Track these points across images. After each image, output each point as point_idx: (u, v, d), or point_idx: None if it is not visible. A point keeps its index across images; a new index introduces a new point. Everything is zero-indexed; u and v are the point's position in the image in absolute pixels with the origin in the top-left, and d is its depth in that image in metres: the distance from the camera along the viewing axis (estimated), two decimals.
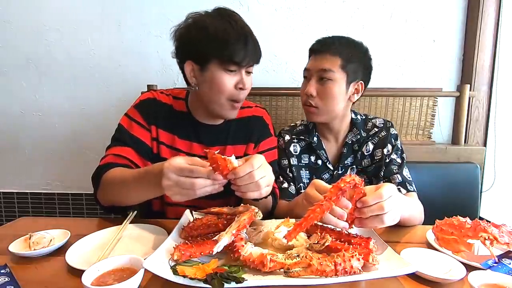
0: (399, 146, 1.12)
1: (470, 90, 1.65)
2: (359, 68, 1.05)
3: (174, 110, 1.08)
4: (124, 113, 1.06)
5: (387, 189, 0.66)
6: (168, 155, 1.04)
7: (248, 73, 0.98)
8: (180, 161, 0.68)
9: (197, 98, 1.03)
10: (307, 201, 0.73)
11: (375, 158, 1.10)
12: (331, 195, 0.63)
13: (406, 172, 1.08)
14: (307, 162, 1.15)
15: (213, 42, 0.91)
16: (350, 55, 1.03)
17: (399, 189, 1.02)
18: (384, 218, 0.65)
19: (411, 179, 1.07)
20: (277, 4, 1.73)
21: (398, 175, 1.05)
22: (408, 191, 1.03)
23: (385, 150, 1.09)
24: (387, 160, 1.08)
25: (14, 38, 1.79)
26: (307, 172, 1.14)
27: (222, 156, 0.65)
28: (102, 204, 0.94)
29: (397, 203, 0.67)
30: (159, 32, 1.76)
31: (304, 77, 1.10)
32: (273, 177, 0.74)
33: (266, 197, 0.77)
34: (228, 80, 0.93)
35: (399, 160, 1.09)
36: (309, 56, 1.11)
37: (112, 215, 0.99)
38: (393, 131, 1.12)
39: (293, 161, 1.14)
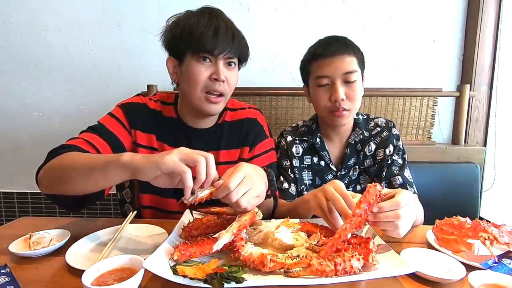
0: (401, 146, 1.11)
1: (470, 90, 1.65)
2: (363, 63, 1.07)
3: (164, 116, 1.05)
4: (108, 112, 1.03)
5: (404, 197, 0.65)
6: None
7: (229, 65, 0.96)
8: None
9: (182, 98, 1.03)
10: (323, 195, 0.73)
11: (377, 158, 1.10)
12: (361, 211, 0.63)
13: (407, 173, 1.08)
14: (309, 163, 1.14)
15: (183, 32, 0.92)
16: (358, 51, 1.04)
17: None
18: (399, 224, 0.65)
19: (412, 180, 1.07)
20: (277, 4, 1.73)
21: (399, 177, 1.05)
22: (412, 192, 1.03)
23: (387, 151, 1.09)
24: (389, 162, 1.08)
25: (14, 38, 1.79)
26: (310, 173, 1.14)
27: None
28: (47, 191, 0.83)
29: (412, 212, 0.66)
30: (159, 32, 1.76)
31: (321, 85, 1.02)
32: (262, 187, 0.72)
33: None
34: (202, 71, 0.92)
35: (400, 161, 1.08)
36: (312, 62, 1.05)
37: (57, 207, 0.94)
38: (395, 131, 1.12)
39: (295, 162, 1.13)
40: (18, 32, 1.79)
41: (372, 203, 0.64)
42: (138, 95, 1.11)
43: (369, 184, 0.65)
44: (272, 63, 1.77)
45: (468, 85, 1.64)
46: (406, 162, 1.10)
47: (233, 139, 1.08)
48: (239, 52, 0.96)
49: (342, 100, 1.00)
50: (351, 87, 1.01)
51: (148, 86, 1.66)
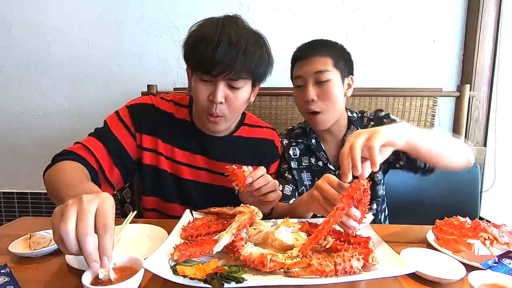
0: (395, 120, 1.10)
1: (470, 90, 1.65)
2: (346, 64, 1.07)
3: (175, 118, 1.02)
4: (115, 111, 1.01)
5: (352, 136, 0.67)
6: (167, 168, 1.01)
7: (232, 87, 0.88)
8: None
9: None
10: (319, 193, 0.74)
11: None
12: (344, 205, 0.64)
13: None
14: (307, 164, 1.14)
15: (189, 49, 0.88)
16: (336, 53, 1.05)
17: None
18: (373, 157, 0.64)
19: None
20: (277, 4, 1.73)
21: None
22: None
23: None
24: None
25: (14, 38, 1.79)
26: (308, 174, 1.14)
27: (242, 170, 0.79)
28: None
29: (368, 135, 0.66)
30: (159, 32, 1.76)
31: (297, 86, 1.07)
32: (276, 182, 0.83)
33: None
34: (202, 90, 0.88)
35: None
36: (294, 64, 1.10)
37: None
38: (382, 113, 1.13)
39: (293, 164, 1.13)
40: (18, 32, 1.78)
41: (355, 197, 0.64)
42: (148, 95, 1.08)
43: (355, 180, 0.66)
44: None
45: (468, 85, 1.64)
46: None
47: (249, 156, 1.06)
48: (247, 71, 0.87)
49: (313, 100, 1.02)
50: (322, 87, 1.02)
51: (148, 86, 1.66)
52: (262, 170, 0.80)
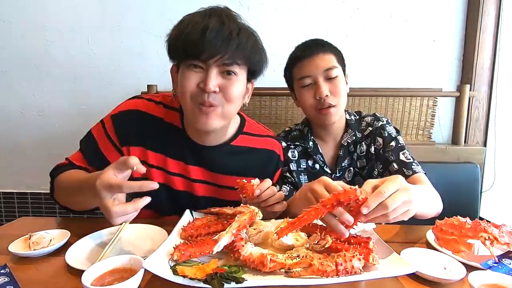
0: (389, 132, 1.08)
1: (470, 90, 1.65)
2: (343, 61, 1.09)
3: (165, 123, 0.94)
4: (101, 119, 0.96)
5: (388, 186, 0.61)
6: (160, 179, 0.94)
7: (228, 73, 0.80)
8: (109, 175, 0.65)
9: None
10: (312, 195, 0.73)
11: (369, 156, 1.10)
12: (327, 203, 0.62)
13: (404, 155, 1.03)
14: (305, 167, 1.14)
15: (174, 36, 0.81)
16: (335, 50, 1.07)
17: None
18: (389, 214, 0.61)
19: (411, 160, 1.01)
20: (277, 4, 1.73)
21: (394, 164, 1.02)
22: (410, 174, 0.98)
23: (377, 144, 1.08)
24: (382, 152, 1.06)
25: (14, 38, 1.79)
26: (306, 177, 1.13)
27: (251, 184, 0.80)
28: (61, 204, 0.92)
29: (403, 196, 0.61)
30: (159, 32, 1.76)
31: (305, 85, 1.04)
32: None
33: None
34: (191, 78, 0.79)
35: (393, 144, 1.05)
36: (293, 65, 1.08)
37: (71, 214, 0.95)
38: (379, 123, 1.10)
39: (293, 166, 1.12)
40: (18, 32, 1.78)
41: (342, 201, 0.61)
42: (134, 97, 1.00)
43: (351, 187, 0.63)
44: (272, 63, 1.74)
45: (468, 85, 1.64)
46: (400, 144, 1.06)
47: (248, 167, 0.98)
48: (241, 58, 0.80)
49: (327, 96, 1.02)
50: (333, 83, 1.03)
51: (148, 86, 1.66)
52: (268, 182, 0.82)
